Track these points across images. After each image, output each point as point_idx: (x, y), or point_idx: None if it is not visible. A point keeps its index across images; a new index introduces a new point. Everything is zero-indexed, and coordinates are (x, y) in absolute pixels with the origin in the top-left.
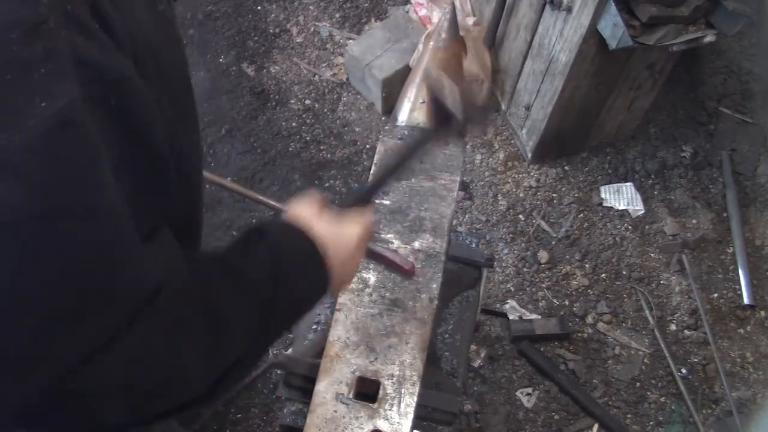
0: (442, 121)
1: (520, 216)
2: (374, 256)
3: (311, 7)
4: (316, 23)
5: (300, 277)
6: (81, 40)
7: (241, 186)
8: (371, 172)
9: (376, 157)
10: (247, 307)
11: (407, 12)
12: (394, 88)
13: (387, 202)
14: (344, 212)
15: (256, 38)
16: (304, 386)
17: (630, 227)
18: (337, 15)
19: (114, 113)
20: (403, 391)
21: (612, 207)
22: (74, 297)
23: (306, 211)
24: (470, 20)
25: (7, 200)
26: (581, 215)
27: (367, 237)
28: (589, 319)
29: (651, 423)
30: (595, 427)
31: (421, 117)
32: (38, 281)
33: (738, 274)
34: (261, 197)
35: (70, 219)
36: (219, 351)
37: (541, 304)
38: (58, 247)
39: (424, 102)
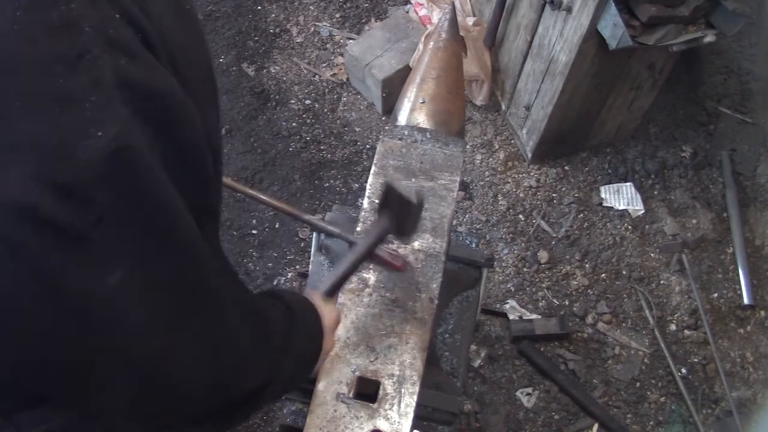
0: (398, 208)
1: (520, 216)
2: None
3: (311, 7)
4: (316, 23)
5: (305, 328)
6: (124, 62)
7: (278, 201)
8: (335, 269)
9: (375, 157)
10: (267, 347)
11: (407, 12)
12: (394, 88)
13: None
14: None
15: (256, 38)
16: (304, 386)
17: (630, 227)
18: (337, 15)
19: (162, 129)
20: (403, 391)
21: (612, 207)
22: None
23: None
24: (470, 20)
25: (84, 229)
26: (581, 215)
27: (337, 322)
28: (589, 319)
29: (651, 423)
30: (595, 427)
31: (421, 117)
32: (132, 300)
33: (738, 274)
34: (293, 210)
35: (154, 238)
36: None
37: (541, 304)
38: (149, 269)
39: (424, 102)
